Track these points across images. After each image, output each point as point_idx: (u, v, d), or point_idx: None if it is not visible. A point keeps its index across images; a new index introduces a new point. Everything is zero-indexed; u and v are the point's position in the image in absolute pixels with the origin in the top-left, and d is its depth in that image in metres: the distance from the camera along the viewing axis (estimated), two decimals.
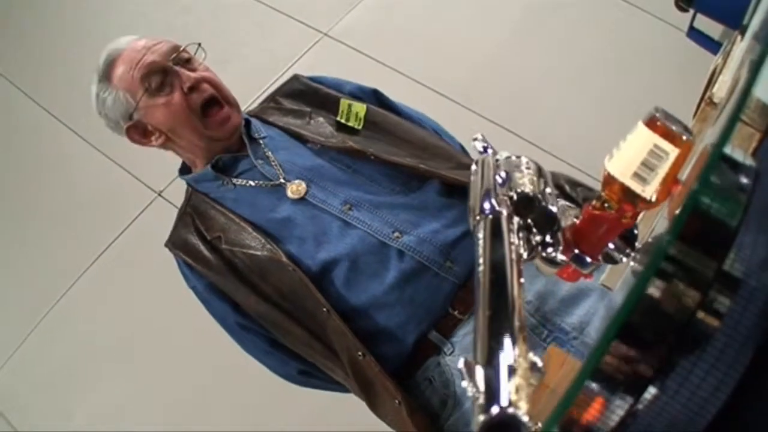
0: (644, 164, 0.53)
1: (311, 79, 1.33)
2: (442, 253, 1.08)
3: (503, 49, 2.33)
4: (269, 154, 1.20)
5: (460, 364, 0.41)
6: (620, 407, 0.46)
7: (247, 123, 1.24)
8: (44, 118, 2.55)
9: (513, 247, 0.51)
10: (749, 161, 0.50)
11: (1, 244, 2.42)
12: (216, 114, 1.20)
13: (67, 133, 2.49)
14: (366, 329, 1.07)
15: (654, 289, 0.45)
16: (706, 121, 0.77)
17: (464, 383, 0.40)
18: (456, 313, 1.08)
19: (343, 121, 1.23)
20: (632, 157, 0.53)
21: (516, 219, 0.56)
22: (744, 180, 0.48)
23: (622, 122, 0.57)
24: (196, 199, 1.23)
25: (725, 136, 0.45)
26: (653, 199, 0.53)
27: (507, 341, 0.42)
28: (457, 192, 1.15)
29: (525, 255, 0.55)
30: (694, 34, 1.67)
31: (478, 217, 0.56)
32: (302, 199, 1.14)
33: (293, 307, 1.10)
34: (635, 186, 0.53)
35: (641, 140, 0.53)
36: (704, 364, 0.46)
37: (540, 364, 0.40)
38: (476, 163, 0.65)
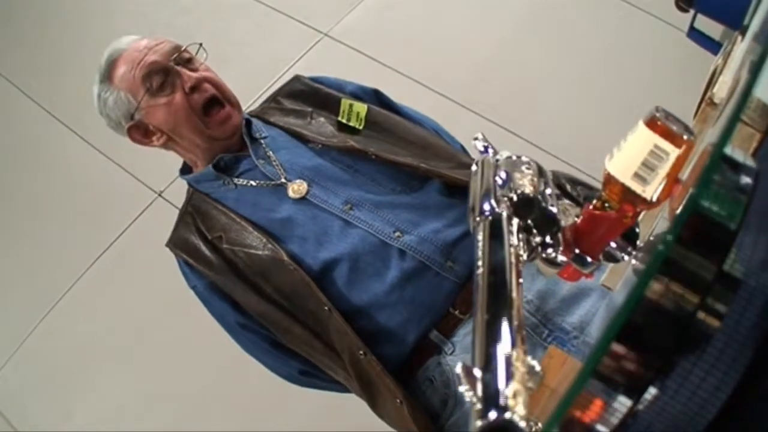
0: (644, 164, 0.53)
1: (312, 79, 1.33)
2: (443, 253, 1.08)
3: (503, 49, 2.33)
4: (270, 153, 1.20)
5: (458, 368, 0.40)
6: (620, 407, 0.46)
7: (248, 123, 1.25)
8: (44, 118, 2.55)
9: (512, 249, 0.51)
10: (749, 162, 0.50)
11: (1, 245, 2.42)
12: (217, 113, 1.20)
13: (67, 134, 2.49)
14: (367, 329, 1.07)
15: (654, 290, 0.45)
16: (706, 121, 0.77)
17: (462, 388, 0.40)
18: (457, 312, 1.08)
19: (344, 121, 1.23)
20: (632, 157, 0.53)
21: (516, 220, 0.55)
22: (744, 180, 0.48)
23: (622, 122, 0.57)
24: (197, 199, 1.23)
25: (725, 136, 0.45)
26: (654, 199, 0.53)
27: (505, 345, 0.41)
28: (458, 191, 1.16)
29: (525, 256, 0.54)
30: (694, 34, 1.67)
31: (477, 219, 0.56)
32: (303, 199, 1.14)
33: (294, 307, 1.10)
34: (635, 186, 0.53)
35: (641, 140, 0.53)
36: (704, 365, 0.46)
37: (538, 368, 0.40)
38: (476, 164, 0.65)
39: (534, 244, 0.56)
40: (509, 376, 0.39)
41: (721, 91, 0.76)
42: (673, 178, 0.53)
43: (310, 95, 1.30)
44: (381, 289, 1.07)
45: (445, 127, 1.34)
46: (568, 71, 2.23)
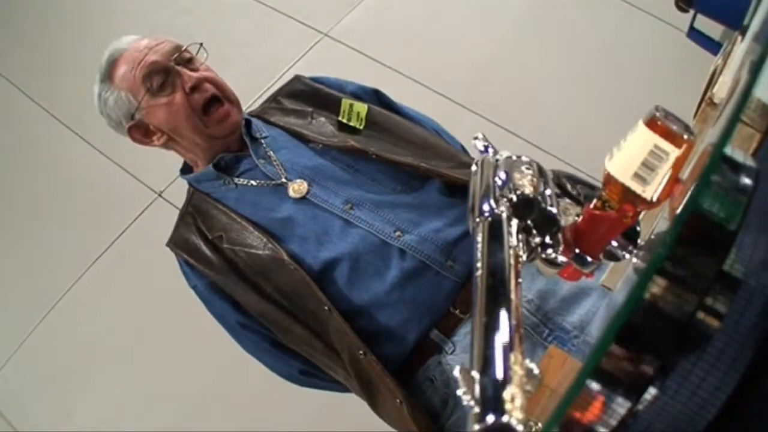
0: (644, 164, 0.53)
1: (313, 79, 1.33)
2: (443, 252, 1.08)
3: (503, 49, 2.33)
4: (271, 153, 1.20)
5: (456, 372, 0.40)
6: (620, 407, 0.46)
7: (248, 123, 1.25)
8: (44, 118, 2.55)
9: (512, 251, 0.51)
10: (749, 162, 0.50)
11: (1, 245, 2.42)
12: (215, 111, 1.20)
13: (67, 134, 2.49)
14: (367, 328, 1.07)
15: (654, 290, 0.45)
16: (706, 121, 0.77)
17: (459, 391, 0.40)
18: (457, 312, 1.08)
19: (344, 120, 1.24)
20: (632, 157, 0.53)
21: (515, 221, 0.55)
22: (744, 180, 0.48)
23: (622, 122, 0.57)
24: (197, 199, 1.23)
25: (725, 136, 0.45)
26: (653, 199, 0.53)
27: (503, 349, 0.41)
28: (458, 191, 1.16)
29: (524, 257, 0.54)
30: (694, 34, 1.67)
31: (477, 219, 0.55)
32: (304, 199, 1.14)
33: (294, 306, 1.11)
34: (635, 186, 0.53)
35: (641, 140, 0.53)
36: (704, 365, 0.46)
37: (536, 371, 0.40)
38: (476, 163, 0.65)
39: (533, 244, 0.56)
40: (507, 380, 0.39)
41: (721, 91, 0.76)
42: (673, 178, 0.53)
43: (311, 95, 1.30)
44: (381, 288, 1.07)
45: (446, 127, 1.34)
46: (568, 71, 2.23)
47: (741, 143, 0.58)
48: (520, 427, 0.37)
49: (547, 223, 0.56)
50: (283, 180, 1.17)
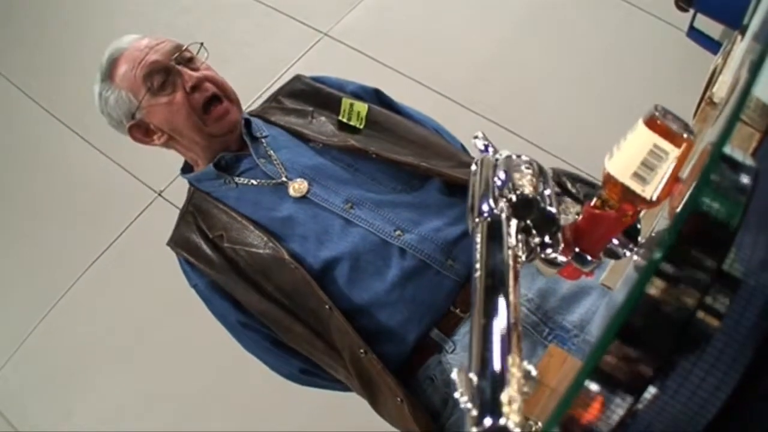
0: (644, 164, 0.53)
1: (313, 78, 1.33)
2: (443, 252, 1.08)
3: (503, 49, 2.33)
4: (271, 152, 1.20)
5: (454, 374, 0.40)
6: (620, 407, 0.46)
7: (248, 122, 1.25)
8: (44, 118, 2.55)
9: (510, 252, 0.51)
10: (749, 161, 0.50)
11: (1, 245, 2.42)
12: (214, 109, 1.20)
13: (67, 134, 2.49)
14: (368, 327, 1.07)
15: (654, 289, 0.45)
16: (706, 121, 0.77)
17: (457, 394, 0.40)
18: (458, 311, 1.08)
19: (344, 120, 1.24)
20: (632, 156, 0.53)
21: (514, 221, 0.55)
22: (744, 180, 0.48)
23: (622, 122, 0.57)
24: (198, 198, 1.23)
25: (725, 135, 0.45)
26: (653, 198, 0.53)
27: (501, 351, 0.41)
28: (458, 190, 1.16)
29: (523, 258, 0.54)
30: (694, 33, 1.67)
31: (476, 219, 0.55)
32: (304, 198, 1.14)
33: (295, 305, 1.11)
34: (635, 186, 0.53)
35: (641, 140, 0.53)
36: (704, 364, 0.46)
37: (534, 372, 0.40)
38: (476, 163, 0.65)
39: (533, 244, 0.56)
40: (505, 382, 0.39)
41: (720, 90, 0.76)
42: (673, 177, 0.53)
43: (311, 95, 1.30)
44: (382, 287, 1.08)
45: (446, 127, 1.34)
46: (568, 71, 2.23)
47: (741, 143, 0.58)
48: (517, 430, 0.37)
49: (547, 223, 0.56)
50: (284, 179, 1.17)
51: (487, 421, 0.37)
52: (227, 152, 1.22)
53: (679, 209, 0.48)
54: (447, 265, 1.08)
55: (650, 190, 0.53)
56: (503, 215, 0.55)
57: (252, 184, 1.19)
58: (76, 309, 2.19)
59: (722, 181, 0.47)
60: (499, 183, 0.59)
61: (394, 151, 1.18)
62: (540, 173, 0.61)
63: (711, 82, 0.86)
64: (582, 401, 0.45)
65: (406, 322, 1.08)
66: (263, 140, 1.22)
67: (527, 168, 0.61)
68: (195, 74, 1.19)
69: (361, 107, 1.24)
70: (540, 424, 0.55)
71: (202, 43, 1.23)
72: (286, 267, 1.09)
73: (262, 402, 1.86)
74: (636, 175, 0.53)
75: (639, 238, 0.59)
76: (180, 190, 1.31)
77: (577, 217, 0.59)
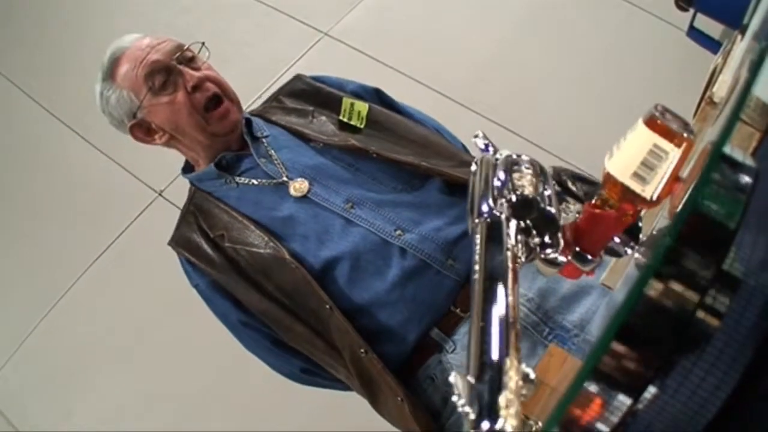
0: (644, 164, 0.53)
1: (314, 78, 1.33)
2: (443, 251, 1.08)
3: (504, 48, 2.33)
4: (272, 152, 1.20)
5: (452, 377, 0.40)
6: (620, 407, 0.46)
7: (248, 122, 1.25)
8: (44, 118, 2.55)
9: (510, 253, 0.51)
10: (749, 161, 0.50)
11: (1, 245, 2.42)
12: (215, 109, 1.20)
13: (67, 134, 2.49)
14: (368, 327, 1.07)
15: (654, 289, 0.45)
16: (706, 120, 0.77)
17: (455, 397, 0.40)
18: (458, 311, 1.08)
19: (345, 119, 1.24)
20: (632, 156, 0.53)
21: (514, 222, 0.55)
22: (744, 180, 0.48)
23: (622, 122, 0.57)
24: (199, 198, 1.23)
25: (725, 135, 0.45)
26: (653, 198, 0.53)
27: (499, 354, 0.41)
28: (459, 190, 1.16)
29: (523, 259, 0.54)
30: (694, 33, 1.67)
31: (476, 220, 0.55)
32: (305, 197, 1.15)
33: (296, 305, 1.11)
34: (635, 186, 0.53)
35: (641, 139, 0.53)
36: (704, 364, 0.46)
37: (532, 375, 0.40)
38: (476, 163, 0.65)
39: (533, 244, 0.56)
40: (503, 386, 0.39)
41: (720, 90, 0.76)
42: (673, 177, 0.53)
43: (312, 94, 1.30)
44: (382, 287, 1.08)
45: (446, 127, 1.34)
46: (568, 71, 2.23)
47: (741, 142, 0.58)
48: None
49: (547, 224, 0.56)
50: (285, 179, 1.17)
51: (485, 425, 0.37)
52: (228, 152, 1.22)
53: (679, 209, 0.48)
54: (447, 265, 1.08)
55: (650, 190, 0.53)
56: (503, 216, 0.55)
57: (253, 183, 1.19)
58: (76, 309, 2.19)
59: (722, 181, 0.47)
60: (498, 183, 0.59)
61: (395, 150, 1.18)
62: (540, 173, 0.61)
63: (711, 81, 0.86)
64: (582, 401, 0.45)
65: (407, 322, 1.08)
66: (264, 140, 1.22)
67: (527, 168, 0.61)
68: (196, 74, 1.19)
69: (362, 107, 1.24)
70: (540, 423, 0.55)
71: (203, 43, 1.23)
72: (286, 267, 1.09)
73: (262, 402, 1.86)
74: (636, 175, 0.53)
75: (640, 236, 0.59)
76: (180, 190, 1.31)
77: (577, 216, 0.59)
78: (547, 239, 0.56)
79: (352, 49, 2.43)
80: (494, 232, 0.53)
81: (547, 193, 0.58)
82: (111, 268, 2.22)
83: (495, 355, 0.41)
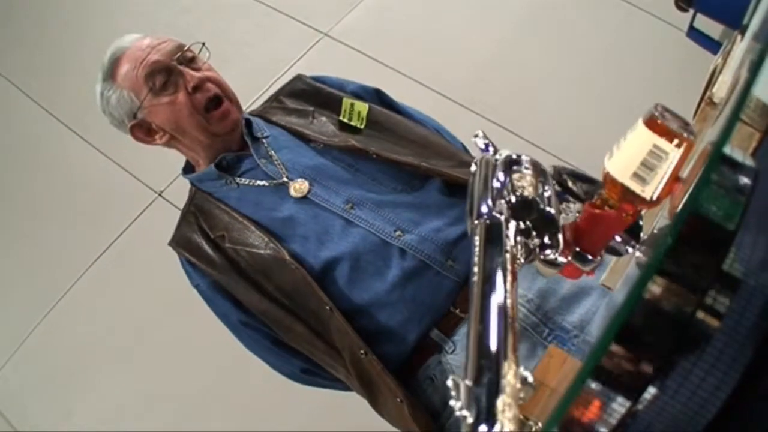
0: (644, 164, 0.53)
1: (314, 78, 1.33)
2: (443, 252, 1.08)
3: (503, 49, 2.33)
4: (272, 153, 1.20)
5: (450, 381, 0.40)
6: (620, 407, 0.46)
7: (248, 123, 1.25)
8: (44, 118, 2.55)
9: (509, 256, 0.50)
10: (749, 161, 0.50)
11: (1, 245, 2.42)
12: (215, 109, 1.20)
13: (67, 134, 2.49)
14: (368, 328, 1.07)
15: (654, 289, 0.45)
16: (706, 121, 0.77)
17: (452, 401, 0.40)
18: (458, 311, 1.08)
19: (345, 120, 1.24)
20: (632, 157, 0.53)
21: (513, 223, 0.55)
22: (743, 180, 0.48)
23: (622, 122, 0.57)
24: (199, 198, 1.23)
25: (725, 135, 0.45)
26: (653, 198, 0.53)
27: (497, 358, 0.41)
28: (459, 190, 1.16)
29: (522, 260, 0.54)
30: (694, 33, 1.67)
31: (475, 221, 0.55)
32: (305, 198, 1.15)
33: (296, 306, 1.11)
34: (634, 186, 0.53)
35: (641, 140, 0.53)
36: (704, 364, 0.46)
37: (530, 378, 0.40)
38: (476, 163, 0.65)
39: (532, 245, 0.56)
40: (500, 389, 0.39)
41: (720, 90, 0.76)
42: (673, 177, 0.53)
43: (312, 94, 1.30)
44: (382, 288, 1.08)
45: (446, 127, 1.34)
46: (568, 71, 2.23)
47: (740, 142, 0.58)
48: None
49: (546, 225, 0.56)
50: (285, 179, 1.17)
51: (482, 429, 0.37)
52: (228, 152, 1.22)
53: (679, 209, 0.48)
54: (447, 266, 1.08)
55: (650, 191, 0.53)
56: (502, 217, 0.54)
57: (253, 184, 1.19)
58: (76, 309, 2.19)
59: (722, 181, 0.47)
60: (498, 184, 0.58)
61: (395, 151, 1.18)
62: (539, 173, 0.61)
63: (711, 82, 0.86)
64: (582, 401, 0.45)
65: (406, 323, 1.08)
66: (264, 140, 1.22)
67: (527, 168, 0.61)
68: (197, 75, 1.19)
69: (362, 107, 1.25)
70: (540, 424, 0.55)
71: (203, 43, 1.23)
72: (286, 267, 1.09)
73: (262, 402, 1.86)
74: (636, 176, 0.53)
75: (641, 235, 0.59)
76: (180, 190, 1.31)
77: (577, 216, 0.59)
78: (546, 240, 0.56)
79: (352, 49, 2.43)
80: (493, 233, 0.53)
81: (546, 193, 0.58)
82: (111, 269, 2.22)
83: (493, 358, 0.41)
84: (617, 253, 0.59)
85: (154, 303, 2.07)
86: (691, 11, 1.57)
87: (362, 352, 1.06)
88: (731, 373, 0.46)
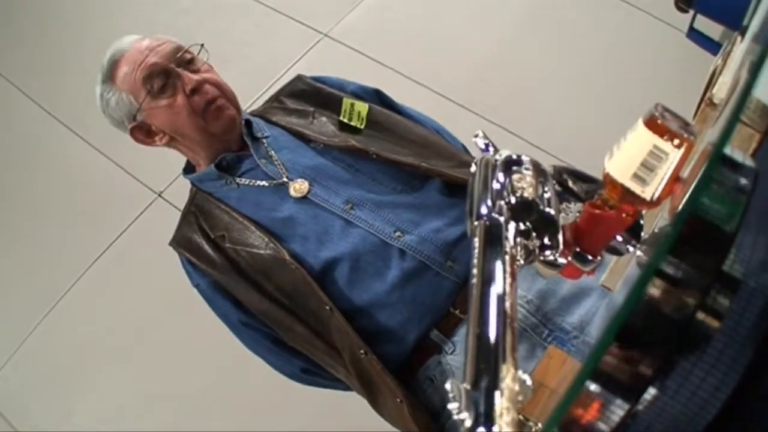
0: (644, 165, 0.52)
1: (314, 78, 1.33)
2: (443, 253, 1.08)
3: (503, 49, 2.33)
4: (272, 153, 1.20)
5: (448, 384, 0.40)
6: (620, 408, 0.46)
7: (248, 123, 1.25)
8: (44, 118, 2.55)
9: (508, 258, 0.50)
10: (749, 162, 0.50)
11: (1, 245, 2.42)
12: (212, 109, 1.20)
13: (67, 134, 2.49)
14: (368, 328, 1.08)
15: (654, 290, 0.45)
16: (706, 121, 0.77)
17: (450, 405, 0.40)
18: (457, 312, 1.08)
19: (345, 120, 1.24)
20: (632, 157, 0.53)
21: (513, 224, 0.55)
22: (743, 181, 0.48)
23: (622, 122, 0.56)
24: (200, 198, 1.23)
25: (725, 136, 0.45)
26: (653, 199, 0.53)
27: (495, 361, 0.41)
28: (458, 190, 1.16)
29: (522, 262, 0.54)
30: (694, 34, 1.67)
31: (475, 223, 0.55)
32: (305, 198, 1.15)
33: (296, 306, 1.11)
34: (634, 187, 0.53)
35: (641, 140, 0.52)
36: (704, 365, 0.46)
37: (529, 381, 0.40)
38: (475, 163, 0.65)
39: (532, 246, 0.56)
40: (499, 393, 0.39)
41: (720, 91, 0.76)
42: (673, 178, 0.53)
43: (312, 95, 1.30)
44: (381, 288, 1.08)
45: (446, 128, 1.34)
46: (568, 71, 2.23)
47: (740, 143, 0.58)
48: None
49: (546, 226, 0.56)
50: (285, 180, 1.17)
51: None
52: (229, 153, 1.22)
53: (679, 210, 0.48)
54: (446, 267, 1.08)
55: (650, 191, 0.53)
56: (502, 218, 0.54)
57: (253, 184, 1.19)
58: (76, 309, 2.19)
59: (722, 182, 0.47)
60: (497, 185, 0.58)
61: (395, 151, 1.18)
62: (539, 174, 0.61)
63: (711, 83, 0.86)
64: (582, 402, 0.45)
65: (406, 323, 1.08)
66: (264, 140, 1.22)
67: (527, 169, 0.61)
68: (195, 77, 1.19)
69: (362, 107, 1.25)
70: (540, 425, 0.55)
71: (202, 45, 1.23)
72: (286, 267, 1.09)
73: (262, 402, 1.86)
74: (636, 176, 0.53)
75: (642, 234, 0.59)
76: (180, 191, 1.31)
77: (577, 216, 0.59)
78: (546, 241, 0.56)
79: (352, 50, 2.43)
80: (493, 235, 0.53)
81: (546, 194, 0.58)
82: (111, 269, 2.22)
83: (491, 361, 0.41)
84: (618, 252, 0.59)
85: (154, 303, 2.07)
86: (691, 12, 1.58)
87: (362, 352, 1.06)
88: (731, 374, 0.46)
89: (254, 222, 1.15)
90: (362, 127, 1.23)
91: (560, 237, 0.56)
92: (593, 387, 0.45)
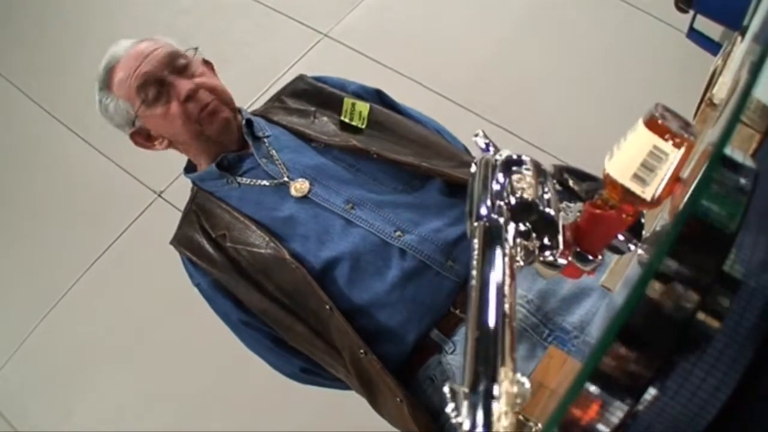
0: (644, 165, 0.52)
1: (315, 78, 1.34)
2: (443, 252, 1.09)
3: (503, 49, 2.33)
4: (273, 152, 1.21)
5: (446, 388, 0.40)
6: (620, 408, 0.46)
7: (249, 122, 1.25)
8: (44, 118, 2.55)
9: (508, 259, 0.50)
10: (749, 162, 0.50)
11: (1, 245, 2.42)
12: (206, 113, 1.20)
13: (67, 134, 2.49)
14: (368, 327, 1.08)
15: (654, 290, 0.45)
16: (706, 122, 0.77)
17: (448, 408, 0.40)
18: (458, 312, 1.08)
19: (346, 120, 1.24)
20: (632, 157, 0.53)
21: (513, 225, 0.55)
22: (744, 181, 0.48)
23: (622, 122, 0.56)
24: (201, 198, 1.23)
25: (725, 137, 0.45)
26: (653, 199, 0.53)
27: (493, 365, 0.41)
28: (459, 190, 1.16)
29: (522, 262, 0.54)
30: (694, 35, 1.67)
31: (475, 223, 0.55)
32: (305, 198, 1.15)
33: (296, 305, 1.11)
34: (635, 187, 0.53)
35: (641, 141, 0.52)
36: (704, 365, 0.46)
37: (527, 385, 0.40)
38: (476, 163, 0.65)
39: (532, 247, 0.56)
40: (497, 396, 0.39)
41: (720, 91, 0.76)
42: (673, 178, 0.53)
43: (314, 94, 1.31)
44: (382, 288, 1.08)
45: (446, 128, 1.34)
46: (568, 71, 2.23)
47: (741, 144, 0.58)
48: None
49: (546, 226, 0.56)
50: (286, 179, 1.17)
51: None
52: (230, 152, 1.22)
53: (679, 210, 0.48)
54: (447, 266, 1.08)
55: (650, 192, 0.53)
56: (501, 219, 0.54)
57: (254, 183, 1.19)
58: (76, 309, 2.19)
59: (722, 183, 0.47)
60: (497, 186, 0.58)
61: (395, 151, 1.18)
62: (539, 174, 0.61)
63: (711, 83, 0.86)
64: (582, 402, 0.45)
65: (406, 323, 1.08)
66: (265, 140, 1.23)
67: (527, 170, 0.61)
68: (188, 85, 1.18)
69: (363, 107, 1.25)
70: (540, 425, 0.55)
71: (196, 48, 1.23)
72: (287, 267, 1.10)
73: (262, 402, 1.86)
74: (636, 177, 0.53)
75: (643, 233, 0.59)
76: (180, 191, 1.31)
77: (578, 215, 0.59)
78: (546, 242, 0.56)
79: (352, 50, 2.43)
80: (492, 236, 0.52)
81: (546, 195, 0.58)
82: (111, 269, 2.22)
83: (490, 364, 0.41)
84: (619, 251, 0.59)
85: (154, 303, 2.07)
86: (691, 12, 1.58)
87: (362, 351, 1.06)
88: (731, 374, 0.46)
89: (255, 221, 1.15)
90: (363, 126, 1.23)
91: (560, 237, 0.56)
92: (593, 387, 0.45)
